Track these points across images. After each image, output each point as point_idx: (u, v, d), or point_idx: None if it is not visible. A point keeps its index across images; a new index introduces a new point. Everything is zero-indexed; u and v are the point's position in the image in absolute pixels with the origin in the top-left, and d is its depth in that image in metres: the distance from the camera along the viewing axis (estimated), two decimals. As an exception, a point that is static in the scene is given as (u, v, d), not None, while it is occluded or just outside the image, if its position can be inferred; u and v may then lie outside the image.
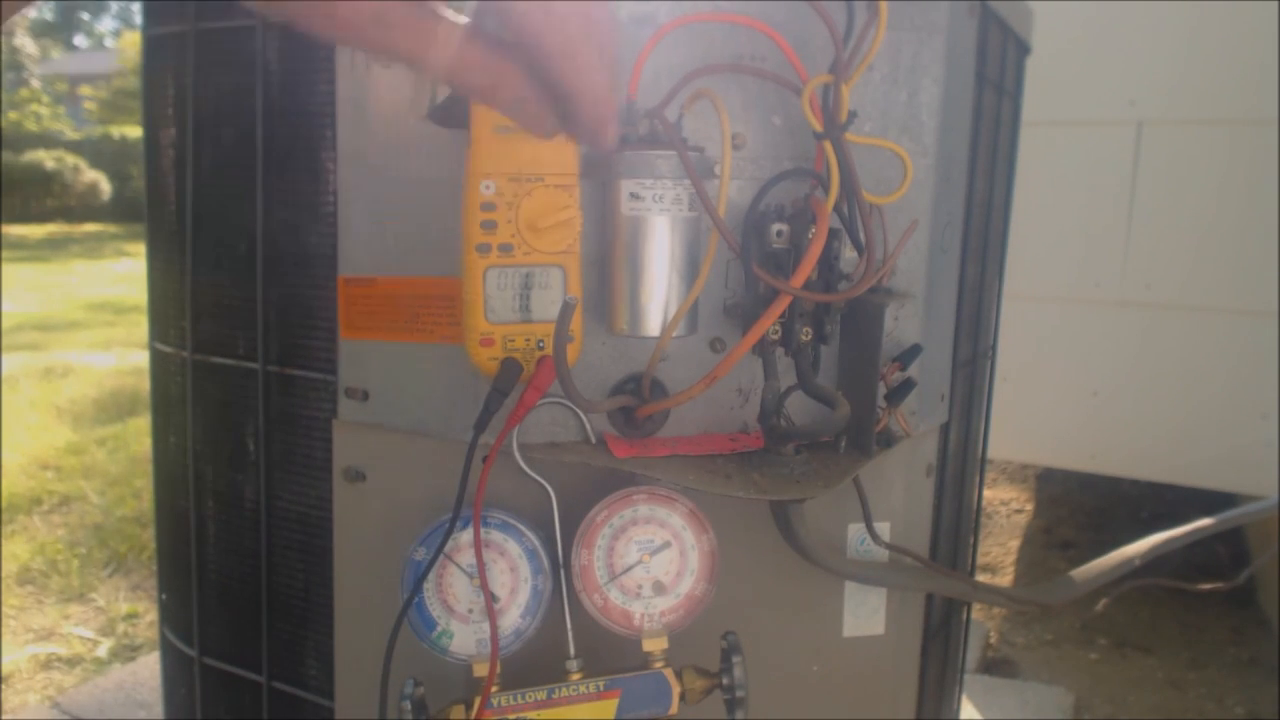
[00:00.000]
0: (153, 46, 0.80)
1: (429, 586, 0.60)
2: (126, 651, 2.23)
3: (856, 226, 0.61)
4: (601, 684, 0.60)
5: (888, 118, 0.65)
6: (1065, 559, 2.78)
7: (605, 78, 0.39)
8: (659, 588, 0.61)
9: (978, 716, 1.95)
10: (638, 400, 0.62)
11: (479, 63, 0.37)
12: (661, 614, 0.61)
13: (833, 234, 0.58)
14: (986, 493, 3.12)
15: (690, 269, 0.58)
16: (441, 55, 0.36)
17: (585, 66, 0.37)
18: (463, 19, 0.36)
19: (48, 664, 2.17)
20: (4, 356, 4.94)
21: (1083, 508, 3.15)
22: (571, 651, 0.60)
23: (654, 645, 0.61)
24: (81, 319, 6.38)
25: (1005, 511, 3.19)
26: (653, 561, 0.61)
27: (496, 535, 0.60)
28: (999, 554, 2.89)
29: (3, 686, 2.07)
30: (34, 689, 2.06)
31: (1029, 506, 3.22)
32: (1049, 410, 2.25)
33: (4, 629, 2.31)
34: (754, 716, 0.63)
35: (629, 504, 0.61)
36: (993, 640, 2.36)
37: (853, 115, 0.58)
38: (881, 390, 0.65)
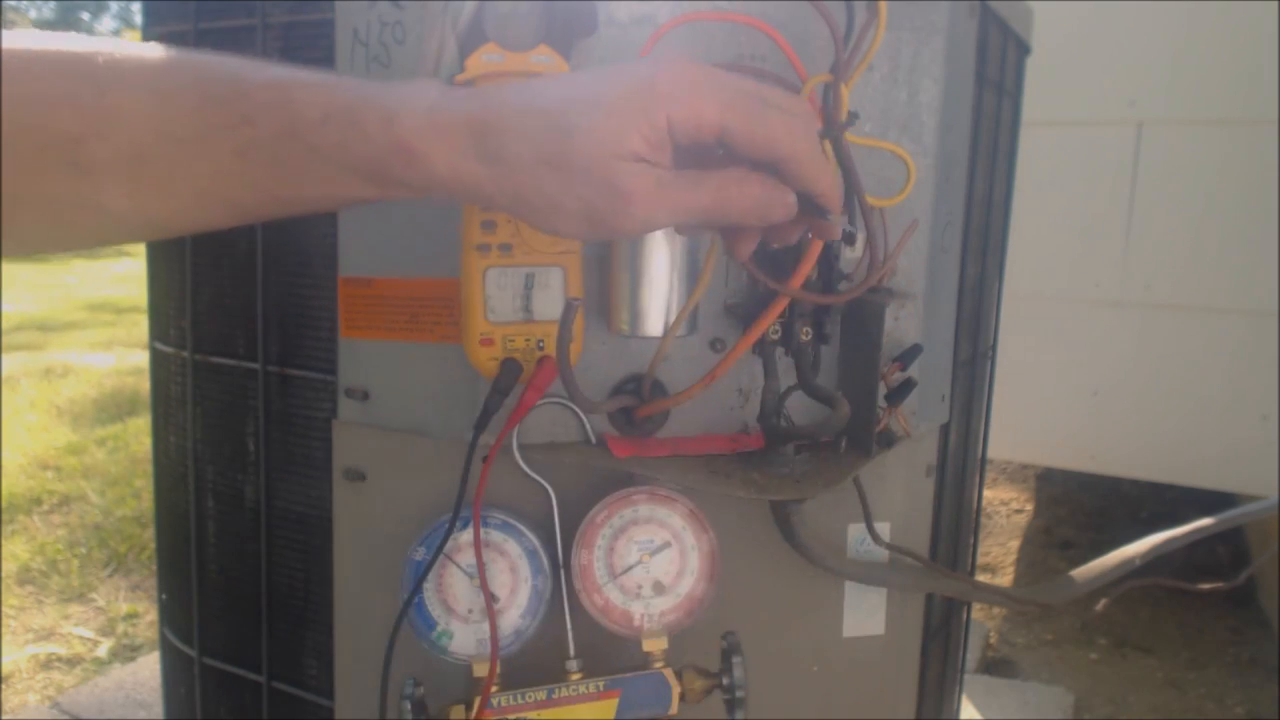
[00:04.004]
0: (153, 46, 0.80)
1: (429, 586, 0.60)
2: (126, 651, 2.23)
3: (856, 225, 0.61)
4: (601, 684, 0.60)
5: (888, 117, 0.65)
6: (1065, 559, 2.78)
7: (830, 169, 0.45)
8: (659, 588, 0.61)
9: (978, 716, 1.95)
10: (638, 401, 0.62)
11: (754, 190, 0.43)
12: (661, 614, 0.61)
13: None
14: (986, 493, 3.12)
15: (691, 269, 0.58)
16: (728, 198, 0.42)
17: (820, 163, 0.44)
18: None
19: (48, 664, 2.17)
20: (4, 356, 4.94)
21: (1083, 508, 3.15)
22: (571, 652, 0.60)
23: (654, 645, 0.61)
24: (81, 319, 6.37)
25: (1005, 511, 3.19)
26: (653, 561, 0.61)
27: (496, 535, 0.60)
28: (999, 554, 2.89)
29: (3, 686, 2.07)
30: (34, 689, 2.06)
31: (1029, 506, 3.22)
32: (1049, 410, 2.25)
33: (4, 629, 2.31)
34: (754, 717, 0.63)
35: (629, 504, 0.61)
36: (993, 640, 2.36)
37: (854, 116, 0.58)
38: (882, 390, 0.65)
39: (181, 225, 0.41)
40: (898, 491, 0.71)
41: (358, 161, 0.39)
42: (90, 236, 0.40)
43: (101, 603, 2.46)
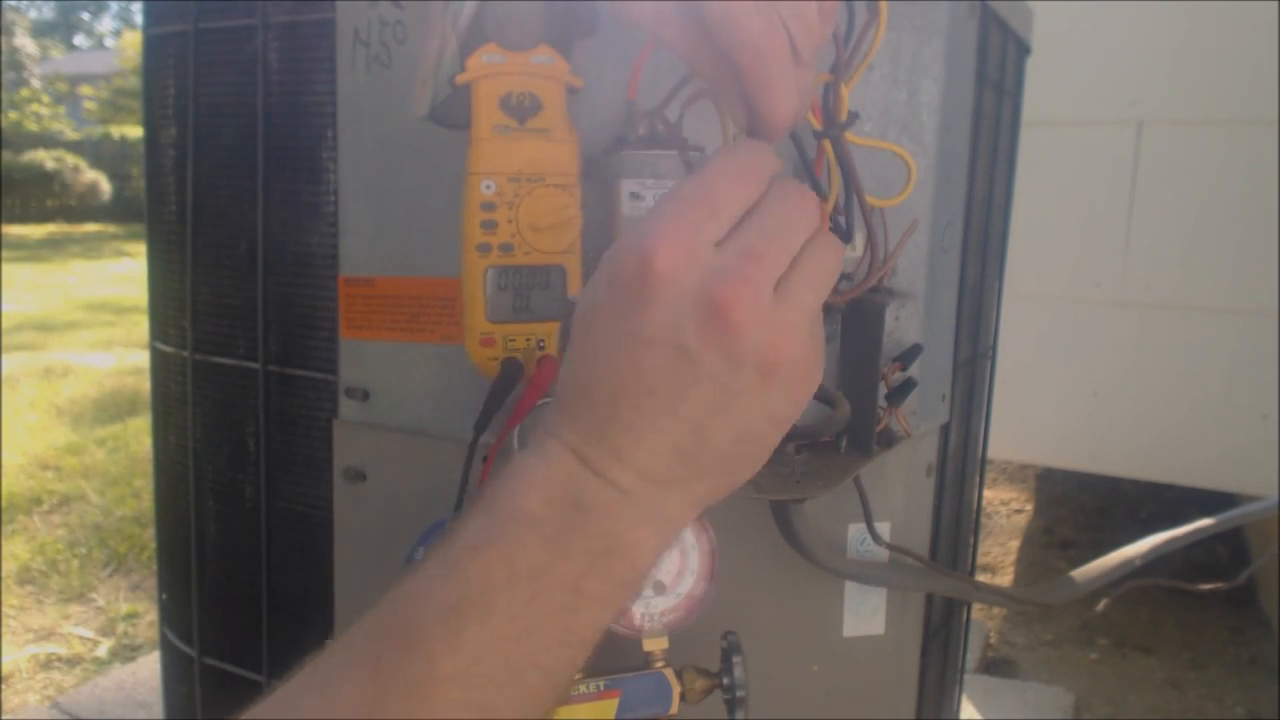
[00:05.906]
0: (153, 46, 0.80)
1: (429, 586, 0.60)
2: (126, 651, 2.23)
3: (854, 225, 0.61)
4: (601, 684, 0.60)
5: (888, 117, 0.65)
6: (1065, 559, 2.78)
7: (791, 111, 0.41)
8: (659, 588, 0.61)
9: (978, 716, 1.95)
10: (638, 400, 0.62)
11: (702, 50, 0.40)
12: (662, 614, 0.61)
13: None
14: (986, 493, 3.12)
15: (690, 269, 0.58)
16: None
17: (777, 83, 0.40)
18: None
19: (48, 664, 2.17)
20: (4, 356, 4.94)
21: (1083, 508, 3.15)
22: (572, 651, 0.60)
23: (654, 645, 0.61)
24: (81, 319, 6.38)
25: (1005, 511, 3.19)
26: (653, 561, 0.61)
27: (497, 535, 0.60)
28: (999, 554, 2.89)
29: (3, 686, 2.07)
30: (34, 689, 2.06)
31: (1029, 506, 3.22)
32: (1049, 410, 2.25)
33: (4, 629, 2.31)
34: (754, 717, 0.63)
35: (629, 504, 0.60)
36: (993, 640, 2.36)
37: (854, 116, 0.58)
38: (882, 390, 0.65)
39: None
40: (898, 491, 0.71)
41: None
42: None
43: (101, 603, 2.46)
